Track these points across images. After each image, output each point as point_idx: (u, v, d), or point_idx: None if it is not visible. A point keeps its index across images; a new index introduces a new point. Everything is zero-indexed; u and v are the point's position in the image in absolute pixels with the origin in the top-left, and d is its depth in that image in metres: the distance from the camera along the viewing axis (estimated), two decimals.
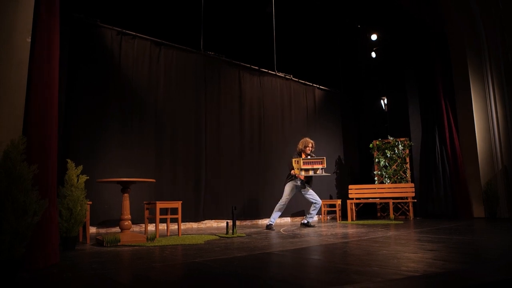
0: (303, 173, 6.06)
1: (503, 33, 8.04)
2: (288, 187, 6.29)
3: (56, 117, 3.10)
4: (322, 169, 6.04)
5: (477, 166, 8.00)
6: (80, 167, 4.00)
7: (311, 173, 6.06)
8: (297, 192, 6.44)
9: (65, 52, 5.72)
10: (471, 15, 8.39)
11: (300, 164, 6.02)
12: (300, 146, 6.45)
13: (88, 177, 4.04)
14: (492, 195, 7.64)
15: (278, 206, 6.29)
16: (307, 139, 6.52)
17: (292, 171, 6.14)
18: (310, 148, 6.41)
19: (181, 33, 7.34)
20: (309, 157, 6.29)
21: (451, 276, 2.20)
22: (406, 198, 8.50)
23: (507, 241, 3.93)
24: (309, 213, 6.55)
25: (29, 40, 2.92)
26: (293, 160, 6.18)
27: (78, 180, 3.92)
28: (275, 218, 6.29)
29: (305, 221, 6.58)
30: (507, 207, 7.72)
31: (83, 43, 6.02)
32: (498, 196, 7.65)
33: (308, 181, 6.36)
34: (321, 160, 6.07)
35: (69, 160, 4.01)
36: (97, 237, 4.43)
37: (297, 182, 6.26)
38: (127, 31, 6.51)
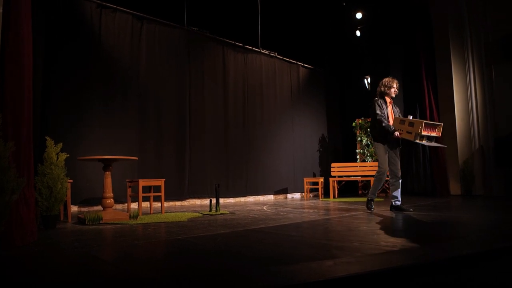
0: (419, 141, 4.51)
1: (485, 14, 8.10)
2: (382, 151, 4.87)
3: (30, 94, 2.99)
4: (436, 138, 4.68)
5: (455, 145, 8.19)
6: (60, 145, 3.91)
7: (424, 141, 4.56)
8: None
9: (42, 26, 5.50)
10: None
11: (419, 128, 4.40)
12: (382, 88, 4.98)
13: (68, 155, 3.95)
14: (468, 174, 7.88)
15: (377, 177, 4.96)
16: (390, 78, 5.02)
17: (397, 133, 4.62)
18: (396, 90, 4.97)
19: (163, 8, 7.13)
20: (411, 116, 4.74)
21: (427, 250, 2.28)
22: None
23: (480, 217, 4.08)
24: (393, 196, 4.97)
25: (1, 10, 2.78)
26: (399, 118, 4.73)
27: (58, 158, 3.84)
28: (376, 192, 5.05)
29: (396, 204, 4.93)
30: (482, 185, 7.99)
31: (61, 16, 5.78)
32: (474, 175, 7.89)
33: (399, 143, 4.95)
34: (438, 128, 4.63)
35: (48, 138, 3.90)
36: (79, 215, 4.39)
37: (389, 144, 4.87)
38: (107, 4, 6.28)
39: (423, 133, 4.42)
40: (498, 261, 2.18)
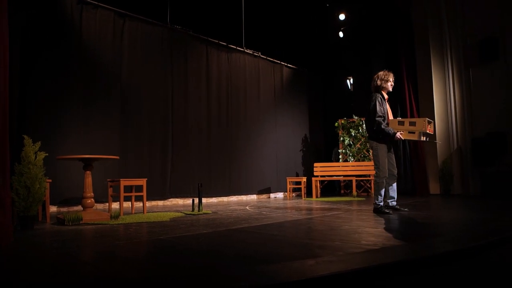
0: (423, 138, 4.43)
1: (464, 18, 8.30)
2: (383, 152, 4.51)
3: (5, 94, 2.89)
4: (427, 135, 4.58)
5: (435, 146, 8.38)
6: (38, 144, 3.81)
7: (424, 138, 4.46)
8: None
9: (20, 23, 5.36)
10: None
11: (422, 126, 4.33)
12: (378, 82, 4.65)
13: (47, 154, 3.86)
14: (447, 173, 8.07)
15: (379, 182, 4.53)
16: (386, 71, 4.71)
17: (399, 133, 4.39)
18: (392, 83, 4.68)
19: (146, 5, 7.04)
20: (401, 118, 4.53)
21: (407, 249, 2.32)
22: (369, 176, 8.80)
23: (457, 216, 4.19)
24: (389, 197, 4.66)
25: None
26: (396, 120, 4.56)
27: (36, 157, 3.74)
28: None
29: (393, 204, 4.67)
30: (460, 185, 8.19)
31: (39, 13, 5.64)
32: (452, 174, 8.09)
33: (397, 141, 4.71)
34: (430, 124, 4.57)
35: (25, 136, 3.79)
36: (58, 216, 4.29)
37: (391, 144, 4.65)
38: (88, 0, 6.16)
39: (428, 131, 4.36)
40: (477, 258, 2.24)
